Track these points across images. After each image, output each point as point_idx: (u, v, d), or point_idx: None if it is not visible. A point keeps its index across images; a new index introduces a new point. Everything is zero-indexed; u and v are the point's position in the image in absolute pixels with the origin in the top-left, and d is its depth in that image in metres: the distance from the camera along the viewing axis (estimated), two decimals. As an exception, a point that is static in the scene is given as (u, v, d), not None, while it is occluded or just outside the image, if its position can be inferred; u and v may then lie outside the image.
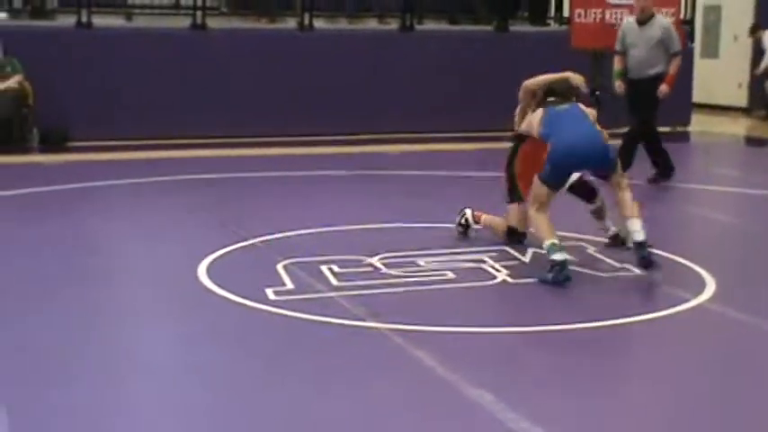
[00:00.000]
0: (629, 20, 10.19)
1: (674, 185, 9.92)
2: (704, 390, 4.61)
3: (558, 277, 6.08)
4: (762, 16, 16.86)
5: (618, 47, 10.08)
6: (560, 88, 6.73)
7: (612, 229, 7.04)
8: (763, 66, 16.18)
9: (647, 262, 6.19)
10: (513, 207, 7.05)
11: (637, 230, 6.22)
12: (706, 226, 8.34)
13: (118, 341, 5.15)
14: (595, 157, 6.40)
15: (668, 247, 6.96)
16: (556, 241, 6.19)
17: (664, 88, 9.77)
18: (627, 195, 6.37)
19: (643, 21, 9.87)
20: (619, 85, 10.02)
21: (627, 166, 8.96)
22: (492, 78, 13.52)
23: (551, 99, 6.66)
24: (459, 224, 7.33)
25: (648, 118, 10.00)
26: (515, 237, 7.05)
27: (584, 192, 7.05)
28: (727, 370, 4.87)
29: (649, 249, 6.21)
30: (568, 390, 4.53)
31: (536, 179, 6.44)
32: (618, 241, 6.95)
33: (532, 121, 6.65)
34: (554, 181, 6.42)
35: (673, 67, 9.81)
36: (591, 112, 6.64)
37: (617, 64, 10.10)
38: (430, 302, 5.82)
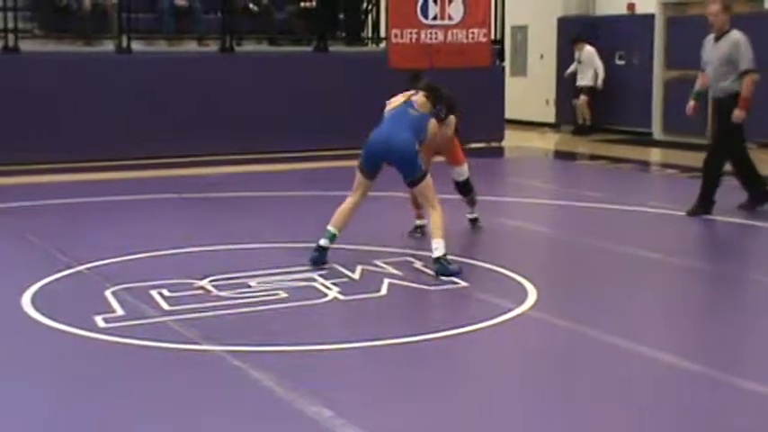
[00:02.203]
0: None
1: (490, 198, 10.32)
2: (532, 394, 4.86)
3: None
4: (563, 35, 17.72)
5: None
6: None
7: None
8: (569, 71, 16.96)
9: (443, 275, 6.75)
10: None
11: (435, 248, 6.82)
12: (524, 237, 8.72)
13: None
14: (389, 154, 7.07)
15: (489, 258, 7.28)
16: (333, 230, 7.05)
17: (737, 113, 9.10)
18: (433, 215, 7.01)
19: (718, 36, 9.29)
20: (691, 107, 9.62)
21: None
22: (314, 98, 13.71)
23: None
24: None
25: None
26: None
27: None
28: (552, 374, 5.14)
29: (447, 264, 6.77)
30: (405, 403, 4.67)
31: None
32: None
33: None
34: (364, 168, 7.17)
35: (744, 88, 9.08)
36: (433, 123, 7.35)
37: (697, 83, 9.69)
38: (264, 323, 5.87)
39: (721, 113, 9.24)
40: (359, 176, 7.21)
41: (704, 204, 9.24)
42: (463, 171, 8.36)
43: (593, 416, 4.53)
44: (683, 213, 9.22)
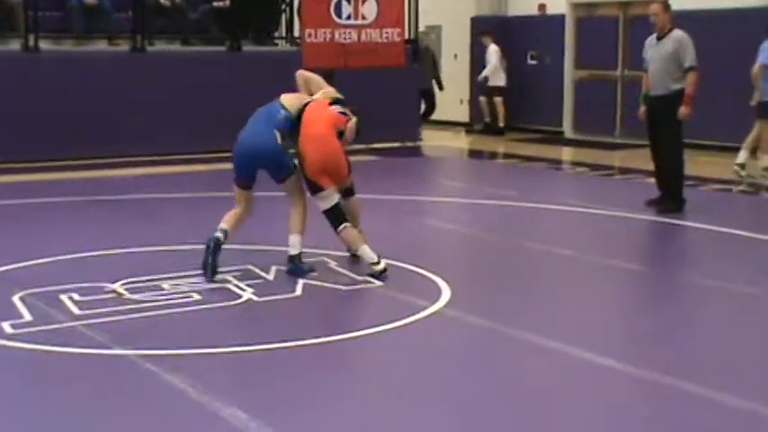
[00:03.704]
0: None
1: (406, 198, 10.37)
2: (447, 391, 4.89)
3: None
4: (477, 33, 17.88)
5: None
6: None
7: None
8: (484, 74, 17.10)
9: (293, 274, 6.77)
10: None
11: (291, 245, 6.83)
12: (438, 236, 8.78)
13: None
14: (257, 160, 6.86)
15: (404, 257, 7.30)
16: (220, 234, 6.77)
17: (683, 110, 9.17)
18: (294, 212, 6.90)
19: (660, 35, 9.39)
20: (642, 112, 9.60)
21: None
22: (227, 98, 13.58)
23: None
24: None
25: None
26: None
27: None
28: (466, 371, 5.19)
29: (300, 263, 6.83)
30: (320, 403, 4.67)
31: None
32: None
33: None
34: (237, 179, 6.97)
35: (689, 86, 9.18)
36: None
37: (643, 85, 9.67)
38: (177, 325, 5.81)
39: (665, 111, 9.25)
40: (235, 189, 6.99)
41: (677, 202, 9.36)
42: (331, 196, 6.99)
43: (507, 411, 4.58)
44: (595, 210, 9.39)
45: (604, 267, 7.40)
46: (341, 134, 7.06)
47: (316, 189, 6.88)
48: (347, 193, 7.24)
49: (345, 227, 6.90)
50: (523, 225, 9.18)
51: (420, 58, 16.16)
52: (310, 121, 6.95)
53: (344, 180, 7.12)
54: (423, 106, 17.11)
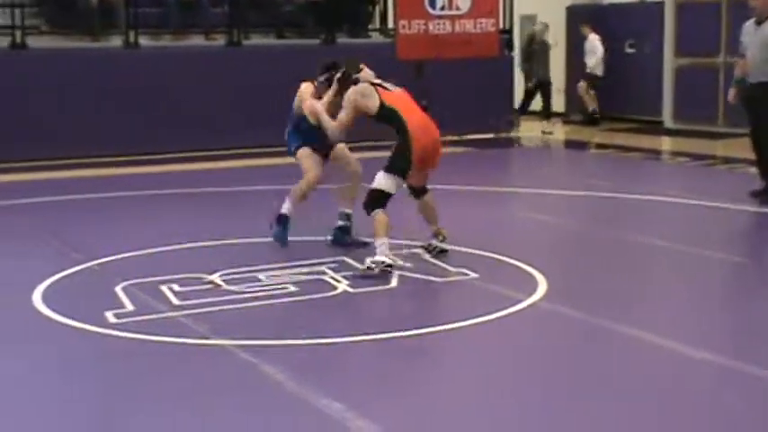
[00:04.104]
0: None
1: (500, 189, 10.30)
2: (543, 386, 4.83)
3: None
4: (573, 23, 17.64)
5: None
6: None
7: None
8: (593, 62, 16.77)
9: (275, 236, 7.48)
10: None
11: (284, 207, 7.47)
12: (534, 227, 8.69)
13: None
14: None
15: (499, 249, 7.24)
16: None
17: None
18: (301, 182, 7.44)
19: (759, 20, 9.13)
20: (732, 95, 9.49)
21: None
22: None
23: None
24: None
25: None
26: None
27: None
28: (563, 365, 5.11)
29: (285, 228, 7.44)
30: (415, 396, 4.66)
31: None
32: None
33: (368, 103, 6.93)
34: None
35: None
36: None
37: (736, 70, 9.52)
38: (274, 317, 5.86)
39: (764, 99, 9.00)
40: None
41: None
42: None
43: (603, 407, 4.50)
44: (695, 202, 9.18)
45: (704, 259, 7.22)
46: None
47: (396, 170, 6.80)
48: (422, 192, 7.17)
49: (378, 212, 6.75)
50: (621, 216, 9.03)
51: (535, 50, 15.95)
52: (408, 109, 6.94)
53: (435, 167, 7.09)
54: (522, 101, 16.88)
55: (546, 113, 16.46)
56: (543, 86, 16.58)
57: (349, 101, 6.93)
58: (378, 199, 6.75)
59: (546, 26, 16.86)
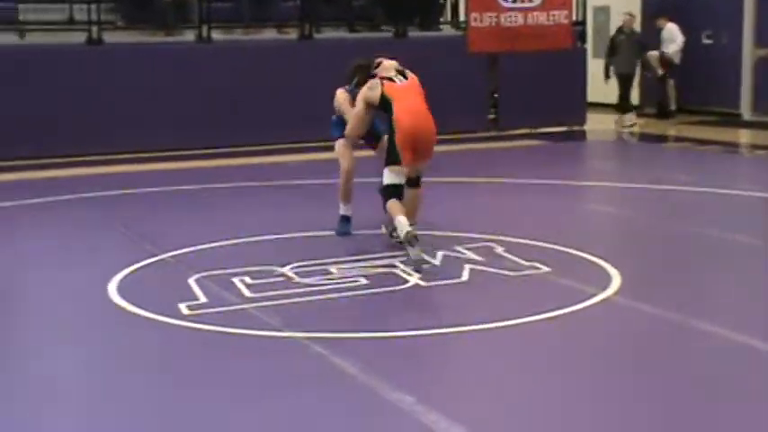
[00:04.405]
0: None
1: (572, 183, 10.17)
2: (619, 382, 4.75)
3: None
4: (648, 14, 17.34)
5: None
6: None
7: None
8: (672, 49, 16.43)
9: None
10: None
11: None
12: (607, 221, 8.57)
13: (27, 367, 5.06)
14: None
15: (571, 243, 7.16)
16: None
17: None
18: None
19: None
20: None
21: None
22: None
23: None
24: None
25: None
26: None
27: None
28: (639, 361, 5.03)
29: None
30: (486, 389, 4.62)
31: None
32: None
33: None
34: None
35: None
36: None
37: None
38: (345, 309, 5.87)
39: None
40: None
41: None
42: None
43: (679, 405, 4.41)
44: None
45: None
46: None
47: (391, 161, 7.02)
48: (413, 183, 7.17)
49: (390, 201, 6.91)
50: (697, 210, 8.85)
51: (621, 41, 15.69)
52: (401, 98, 7.13)
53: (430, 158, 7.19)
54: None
55: (625, 106, 16.13)
56: (626, 79, 16.20)
57: (361, 94, 7.41)
58: (390, 193, 6.98)
59: (633, 17, 16.54)
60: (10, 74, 12.13)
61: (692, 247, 7.42)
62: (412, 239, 6.61)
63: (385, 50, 14.01)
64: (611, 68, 15.88)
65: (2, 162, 11.70)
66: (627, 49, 16.05)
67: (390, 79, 7.26)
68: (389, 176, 7.02)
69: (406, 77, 7.29)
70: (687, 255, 7.19)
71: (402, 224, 6.71)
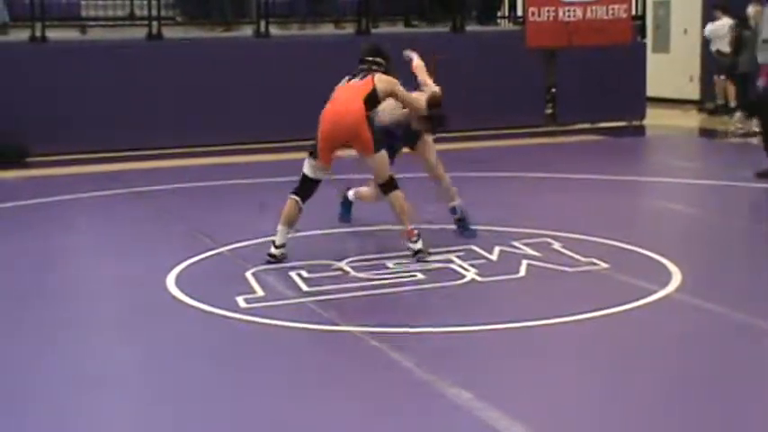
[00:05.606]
0: None
1: (631, 178, 10.05)
2: (680, 381, 4.68)
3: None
4: (708, 10, 17.07)
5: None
6: None
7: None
8: (722, 45, 16.03)
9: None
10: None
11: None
12: (666, 217, 8.45)
13: (87, 356, 5.12)
14: None
15: (631, 239, 7.07)
16: None
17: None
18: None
19: None
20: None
21: None
22: (450, 78, 13.57)
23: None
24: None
25: None
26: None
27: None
28: (701, 359, 4.95)
29: None
30: (545, 385, 4.58)
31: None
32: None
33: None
34: None
35: None
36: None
37: None
38: (402, 304, 5.86)
39: None
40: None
41: None
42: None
43: (742, 405, 4.34)
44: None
45: None
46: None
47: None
48: (387, 186, 7.01)
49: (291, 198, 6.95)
50: (759, 207, 8.69)
51: (747, 36, 15.29)
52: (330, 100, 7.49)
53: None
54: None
55: (739, 107, 15.54)
56: (743, 77, 15.62)
57: (396, 85, 7.72)
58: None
59: (761, 9, 16.10)
60: (73, 68, 12.30)
61: (755, 244, 7.29)
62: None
63: (442, 45, 13.93)
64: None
65: (59, 156, 11.87)
66: (753, 46, 15.51)
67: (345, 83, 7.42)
68: (306, 166, 7.30)
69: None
70: (750, 252, 7.06)
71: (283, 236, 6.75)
